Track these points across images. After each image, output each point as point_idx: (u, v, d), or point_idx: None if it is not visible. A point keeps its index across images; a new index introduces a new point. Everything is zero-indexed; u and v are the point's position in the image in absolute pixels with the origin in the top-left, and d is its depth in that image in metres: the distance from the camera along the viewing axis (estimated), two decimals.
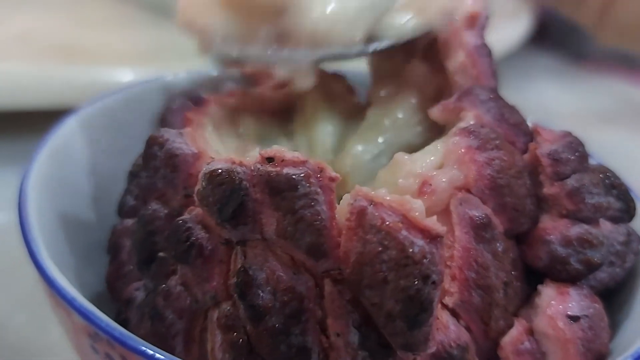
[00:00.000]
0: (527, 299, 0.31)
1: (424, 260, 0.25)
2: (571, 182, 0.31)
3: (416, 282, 0.25)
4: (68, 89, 0.58)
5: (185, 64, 0.60)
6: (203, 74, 0.42)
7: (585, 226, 0.31)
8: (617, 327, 0.32)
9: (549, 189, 0.31)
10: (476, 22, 0.36)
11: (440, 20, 0.36)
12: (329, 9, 0.35)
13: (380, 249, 0.25)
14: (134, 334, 0.29)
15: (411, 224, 0.26)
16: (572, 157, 0.32)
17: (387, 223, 0.26)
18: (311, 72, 0.38)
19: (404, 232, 0.26)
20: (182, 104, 0.36)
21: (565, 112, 0.86)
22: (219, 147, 0.35)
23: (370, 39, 0.37)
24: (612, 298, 0.33)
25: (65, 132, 0.36)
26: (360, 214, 0.26)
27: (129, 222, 0.32)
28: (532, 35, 0.96)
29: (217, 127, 0.36)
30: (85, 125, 0.37)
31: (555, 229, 0.31)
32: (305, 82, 0.38)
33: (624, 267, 0.33)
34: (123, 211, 0.33)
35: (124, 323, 0.31)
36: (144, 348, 0.24)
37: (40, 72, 0.60)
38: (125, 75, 0.59)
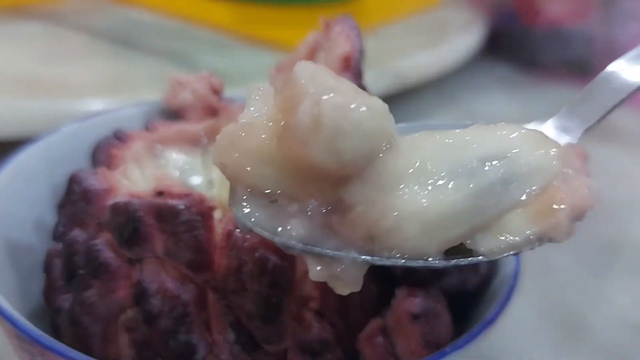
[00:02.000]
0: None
1: (274, 272, 0.32)
2: None
3: (267, 289, 0.32)
4: (30, 120, 0.62)
5: (148, 95, 0.65)
6: (129, 109, 0.48)
7: None
8: (469, 323, 0.38)
9: None
10: (350, 62, 0.38)
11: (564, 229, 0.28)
12: (405, 204, 0.26)
13: (240, 263, 0.32)
14: (62, 337, 0.36)
15: (267, 244, 0.33)
16: None
17: (246, 244, 0.32)
18: (358, 281, 0.28)
19: (261, 250, 0.32)
20: (107, 141, 0.42)
21: (511, 120, 0.91)
22: (139, 179, 0.41)
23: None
24: (474, 299, 0.40)
25: (15, 165, 0.42)
26: (228, 236, 0.33)
27: (59, 245, 0.38)
28: (486, 46, 1.00)
29: (138, 161, 0.42)
30: (32, 159, 0.43)
31: None
32: (345, 289, 0.28)
33: (478, 273, 0.39)
34: (56, 236, 0.39)
35: (56, 329, 0.38)
36: (55, 345, 0.31)
37: (2, 105, 0.63)
38: (90, 106, 0.65)
